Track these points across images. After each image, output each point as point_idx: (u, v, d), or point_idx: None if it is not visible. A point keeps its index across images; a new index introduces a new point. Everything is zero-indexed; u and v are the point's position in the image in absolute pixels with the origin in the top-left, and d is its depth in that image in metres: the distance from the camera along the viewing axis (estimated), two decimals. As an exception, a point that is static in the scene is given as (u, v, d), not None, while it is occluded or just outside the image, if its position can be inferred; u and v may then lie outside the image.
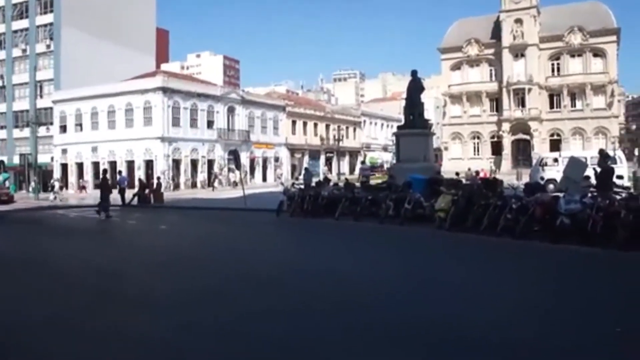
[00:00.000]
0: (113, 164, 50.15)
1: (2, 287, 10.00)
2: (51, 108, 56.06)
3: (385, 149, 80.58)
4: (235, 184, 47.40)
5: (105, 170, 30.69)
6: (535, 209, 12.98)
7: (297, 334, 6.44)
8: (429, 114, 71.74)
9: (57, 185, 41.24)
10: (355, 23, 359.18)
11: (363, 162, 48.80)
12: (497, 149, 65.66)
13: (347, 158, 75.05)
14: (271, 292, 8.69)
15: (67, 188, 50.85)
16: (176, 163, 49.71)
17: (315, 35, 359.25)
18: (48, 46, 61.62)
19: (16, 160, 54.45)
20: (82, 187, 50.40)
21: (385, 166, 61.46)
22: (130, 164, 49.27)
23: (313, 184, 23.63)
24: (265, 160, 60.38)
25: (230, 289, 9.08)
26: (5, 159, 60.30)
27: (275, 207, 21.51)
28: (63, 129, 54.88)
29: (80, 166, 53.41)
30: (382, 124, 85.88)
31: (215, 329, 6.78)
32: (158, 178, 35.74)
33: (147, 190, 32.58)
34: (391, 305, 7.64)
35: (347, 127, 75.70)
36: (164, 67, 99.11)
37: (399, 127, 28.13)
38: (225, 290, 9.01)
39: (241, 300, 8.20)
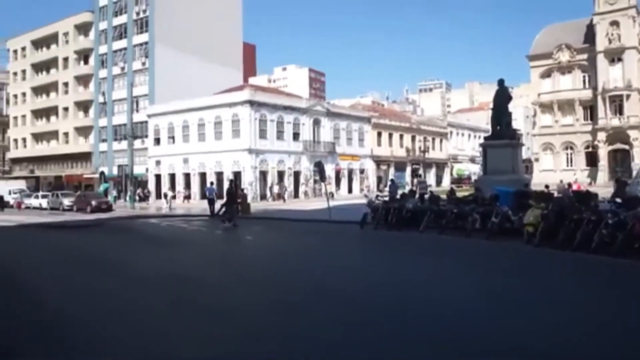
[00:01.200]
0: (203, 175, 51.92)
1: (90, 289, 10.42)
2: (146, 122, 58.71)
3: (472, 160, 78.39)
4: (329, 195, 47.28)
5: (231, 181, 31.53)
6: (634, 224, 11.91)
7: (373, 349, 6.22)
8: (518, 124, 69.27)
9: (169, 194, 42.98)
10: (440, 33, 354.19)
11: (420, 176, 47.59)
12: (592, 160, 61.90)
13: (433, 170, 73.65)
14: (346, 305, 8.54)
15: (159, 197, 52.91)
16: (263, 174, 50.53)
17: (400, 46, 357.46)
18: (143, 63, 64.73)
19: (115, 171, 57.41)
20: (186, 197, 51.38)
21: (473, 178, 59.70)
22: (219, 175, 50.56)
23: (398, 196, 23.19)
24: (350, 172, 60.28)
25: (306, 301, 8.94)
26: (105, 170, 63.72)
27: (360, 219, 21.28)
28: (157, 141, 57.37)
29: (172, 177, 55.47)
30: (469, 135, 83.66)
31: (285, 336, 6.84)
32: (242, 190, 36.40)
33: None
34: (472, 326, 7.18)
35: (433, 139, 74.37)
36: (252, 80, 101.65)
37: (486, 138, 27.12)
38: (301, 302, 8.90)
39: (316, 312, 8.11)
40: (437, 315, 7.69)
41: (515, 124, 27.40)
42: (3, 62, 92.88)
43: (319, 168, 29.74)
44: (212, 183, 37.91)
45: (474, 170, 70.48)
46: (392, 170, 65.93)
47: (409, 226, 18.99)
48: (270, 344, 6.57)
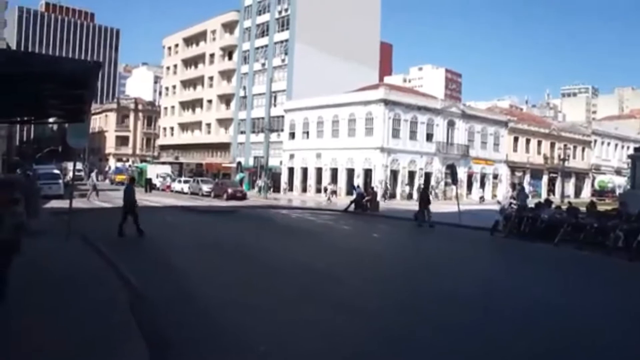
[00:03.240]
0: (334, 171, 52.91)
1: (218, 274, 11.19)
2: (282, 116, 60.96)
3: (618, 172, 72.65)
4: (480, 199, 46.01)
5: (426, 181, 31.78)
6: None
7: None
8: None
9: (329, 188, 44.29)
10: (587, 35, 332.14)
11: (520, 184, 44.42)
12: None
13: (572, 180, 69.40)
14: (464, 313, 8.39)
15: (291, 190, 54.73)
16: (394, 173, 50.50)
17: (542, 48, 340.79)
18: (283, 60, 67.09)
19: (251, 162, 60.22)
20: (333, 192, 48.42)
21: (617, 191, 55.45)
22: (350, 172, 51.31)
23: (531, 205, 22.07)
24: (483, 177, 58.48)
25: (436, 309, 8.77)
26: (242, 160, 67.08)
27: (490, 225, 20.68)
28: (292, 135, 59.34)
29: (304, 171, 57.13)
30: (616, 145, 77.65)
31: (410, 340, 6.89)
32: (372, 188, 36.68)
33: (365, 198, 33.51)
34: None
35: (574, 147, 70.03)
36: (387, 80, 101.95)
37: (636, 150, 25.12)
38: (430, 308, 8.76)
39: (448, 322, 7.93)
40: (586, 347, 7.15)
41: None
42: (159, 57, 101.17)
43: (451, 170, 29.30)
44: (358, 186, 38.30)
45: (619, 183, 65.26)
46: (527, 177, 63.14)
47: (543, 237, 18.09)
48: (395, 346, 6.66)
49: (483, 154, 58.33)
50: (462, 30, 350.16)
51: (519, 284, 11.42)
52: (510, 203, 24.61)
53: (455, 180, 29.41)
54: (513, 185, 54.72)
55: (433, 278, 11.51)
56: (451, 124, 55.15)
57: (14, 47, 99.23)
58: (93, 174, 41.32)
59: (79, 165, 74.47)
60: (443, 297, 9.52)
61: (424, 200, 25.31)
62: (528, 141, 64.42)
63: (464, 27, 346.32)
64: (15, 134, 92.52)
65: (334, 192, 44.93)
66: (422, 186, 28.34)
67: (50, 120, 10.04)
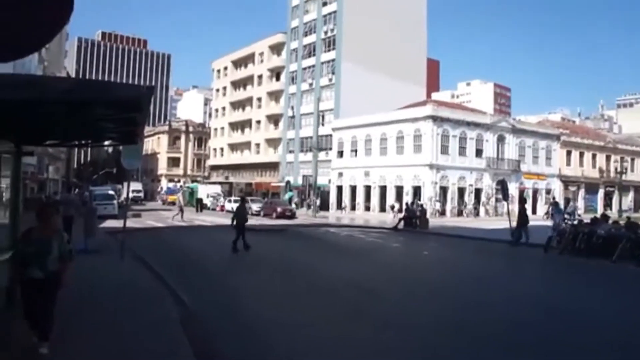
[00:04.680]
0: (383, 189, 52.85)
1: (267, 292, 11.33)
2: (330, 135, 61.35)
3: (680, 185, 69.87)
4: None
5: (524, 199, 31.26)
6: None
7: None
8: None
9: (396, 206, 43.99)
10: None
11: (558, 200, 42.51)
12: None
13: (631, 193, 67.08)
14: (519, 334, 8.17)
15: (342, 209, 54.89)
16: (443, 190, 50.07)
17: (595, 58, 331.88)
18: (330, 79, 67.76)
19: (300, 181, 60.80)
20: (399, 210, 47.86)
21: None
22: (399, 190, 51.12)
23: (587, 221, 21.40)
24: (535, 192, 57.22)
25: (477, 327, 8.58)
26: (291, 179, 67.77)
27: (544, 242, 20.20)
28: (340, 154, 59.60)
29: (353, 189, 57.21)
30: (678, 157, 74.64)
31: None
32: (422, 205, 36.50)
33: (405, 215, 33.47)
34: None
35: (632, 159, 67.76)
36: (434, 96, 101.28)
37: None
38: (482, 331, 8.48)
39: (502, 345, 7.68)
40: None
41: None
42: (208, 80, 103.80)
43: (502, 186, 28.85)
44: (412, 203, 38.03)
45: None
46: (581, 192, 61.48)
47: (600, 254, 17.41)
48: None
49: (535, 168, 57.16)
50: (510, 44, 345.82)
51: (582, 306, 10.75)
52: (564, 219, 24.00)
53: (506, 196, 28.83)
54: (567, 200, 53.46)
55: (485, 298, 11.21)
56: (501, 139, 54.38)
57: (73, 75, 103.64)
58: (180, 195, 42.44)
59: (139, 186, 76.89)
60: (498, 319, 9.25)
61: (522, 217, 23.71)
62: (582, 154, 62.77)
63: (511, 41, 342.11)
64: (73, 157, 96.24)
65: (400, 210, 44.36)
66: (521, 203, 26.94)
67: (106, 143, 10.60)
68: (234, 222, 18.87)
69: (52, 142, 10.63)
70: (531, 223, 24.42)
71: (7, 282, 7.01)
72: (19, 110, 2.54)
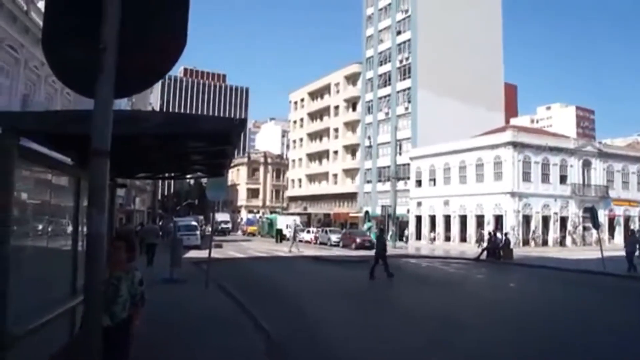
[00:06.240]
0: (463, 218, 51.95)
1: (348, 322, 11.51)
2: (408, 164, 61.15)
3: None
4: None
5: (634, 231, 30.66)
6: None
7: None
8: None
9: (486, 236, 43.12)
10: None
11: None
12: None
13: None
14: None
15: (418, 238, 54.36)
16: (526, 219, 48.60)
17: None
18: (406, 108, 67.77)
19: (378, 211, 60.73)
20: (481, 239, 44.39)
21: None
22: (480, 219, 50.11)
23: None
24: (627, 219, 54.30)
25: None
26: (369, 209, 67.86)
27: None
28: (418, 183, 59.23)
29: (432, 218, 56.58)
30: None
31: None
32: (506, 234, 35.62)
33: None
34: None
35: None
36: (513, 121, 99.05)
37: None
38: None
39: None
40: None
41: None
42: (285, 112, 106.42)
43: (591, 214, 27.79)
44: (490, 233, 37.01)
45: None
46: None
47: None
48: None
49: (625, 194, 54.41)
50: (590, 65, 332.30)
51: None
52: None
53: (596, 224, 27.73)
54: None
55: (578, 332, 10.71)
56: (587, 164, 52.30)
57: (157, 110, 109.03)
58: (293, 224, 43.59)
59: (227, 217, 78.70)
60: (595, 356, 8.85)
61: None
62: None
63: (591, 62, 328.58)
64: (157, 189, 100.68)
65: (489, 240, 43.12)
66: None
67: (193, 175, 11.12)
68: (375, 251, 21.11)
69: (143, 175, 10.94)
70: (623, 252, 23.49)
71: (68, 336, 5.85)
72: (120, 144, 2.93)
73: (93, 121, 2.79)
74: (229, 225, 76.69)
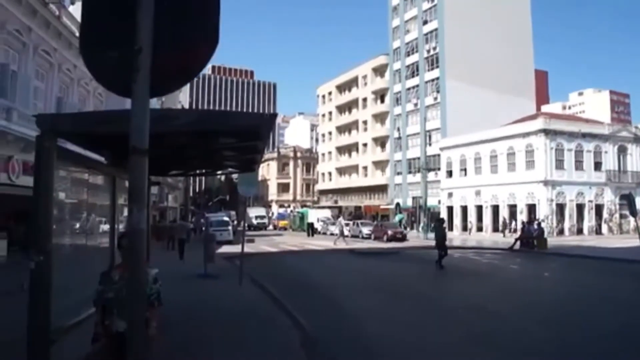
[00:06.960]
0: (495, 208, 51.41)
1: (385, 315, 11.43)
2: (438, 155, 60.74)
3: None
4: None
5: None
6: None
7: None
8: None
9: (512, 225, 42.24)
10: None
11: None
12: None
13: None
14: None
15: (451, 229, 53.93)
16: (560, 207, 47.84)
17: None
18: (435, 98, 67.25)
19: (409, 202, 60.54)
20: (514, 230, 45.02)
21: None
22: (512, 208, 49.51)
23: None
24: (666, 206, 52.97)
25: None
26: (400, 201, 67.62)
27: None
28: (449, 173, 58.79)
29: (464, 209, 56.14)
30: None
31: None
32: (539, 223, 35.10)
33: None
34: None
35: None
36: (544, 108, 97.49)
37: None
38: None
39: None
40: None
41: None
42: (314, 106, 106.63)
43: (628, 200, 27.29)
44: (529, 222, 36.72)
45: None
46: None
47: None
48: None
49: (664, 179, 53.08)
50: (623, 46, 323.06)
51: None
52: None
53: (634, 212, 27.16)
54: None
55: (616, 326, 10.14)
56: (622, 150, 51.13)
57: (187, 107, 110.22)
58: (341, 219, 43.68)
59: (262, 212, 78.94)
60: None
61: None
62: None
63: (623, 44, 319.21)
64: (189, 186, 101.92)
65: (515, 230, 42.56)
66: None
67: (225, 170, 11.21)
68: (435, 242, 22.05)
69: (175, 172, 11.07)
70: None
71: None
72: (153, 142, 3.00)
73: (131, 120, 2.90)
74: (265, 221, 76.16)
